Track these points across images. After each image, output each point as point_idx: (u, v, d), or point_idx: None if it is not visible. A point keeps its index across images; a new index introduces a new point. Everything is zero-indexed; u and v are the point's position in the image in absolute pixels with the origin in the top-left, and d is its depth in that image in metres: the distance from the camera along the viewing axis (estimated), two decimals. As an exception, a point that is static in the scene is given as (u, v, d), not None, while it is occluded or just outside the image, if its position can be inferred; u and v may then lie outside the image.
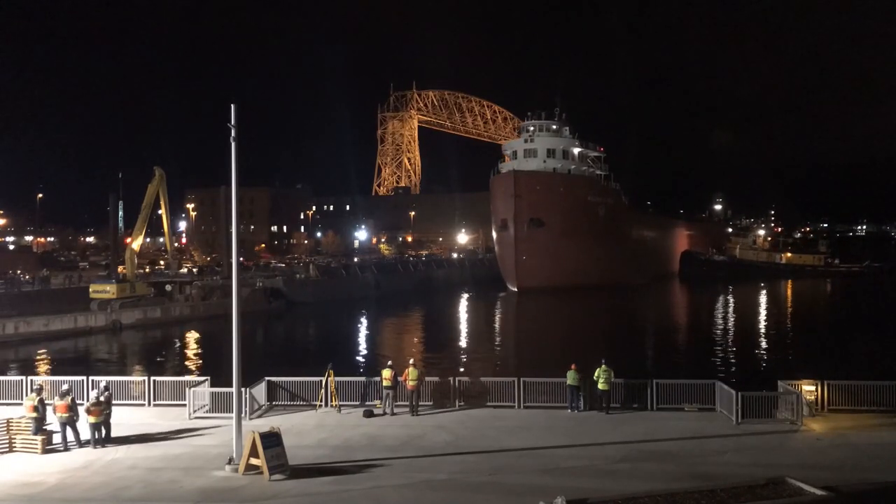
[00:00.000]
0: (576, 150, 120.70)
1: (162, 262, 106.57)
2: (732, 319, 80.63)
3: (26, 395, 24.50)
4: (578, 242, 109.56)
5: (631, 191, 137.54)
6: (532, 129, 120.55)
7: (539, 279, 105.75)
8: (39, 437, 22.28)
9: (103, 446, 22.48)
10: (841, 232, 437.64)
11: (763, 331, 71.58)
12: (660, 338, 65.94)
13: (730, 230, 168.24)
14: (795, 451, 21.98)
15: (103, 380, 25.73)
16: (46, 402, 23.61)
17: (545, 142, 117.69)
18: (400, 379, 26.95)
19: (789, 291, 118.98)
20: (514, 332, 78.02)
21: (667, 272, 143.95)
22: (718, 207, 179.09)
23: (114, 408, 23.95)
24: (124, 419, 25.14)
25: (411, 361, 27.76)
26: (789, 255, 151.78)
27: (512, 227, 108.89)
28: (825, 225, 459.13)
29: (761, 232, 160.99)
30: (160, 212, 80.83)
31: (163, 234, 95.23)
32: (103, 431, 22.82)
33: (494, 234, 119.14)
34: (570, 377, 26.72)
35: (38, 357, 55.28)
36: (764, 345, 62.08)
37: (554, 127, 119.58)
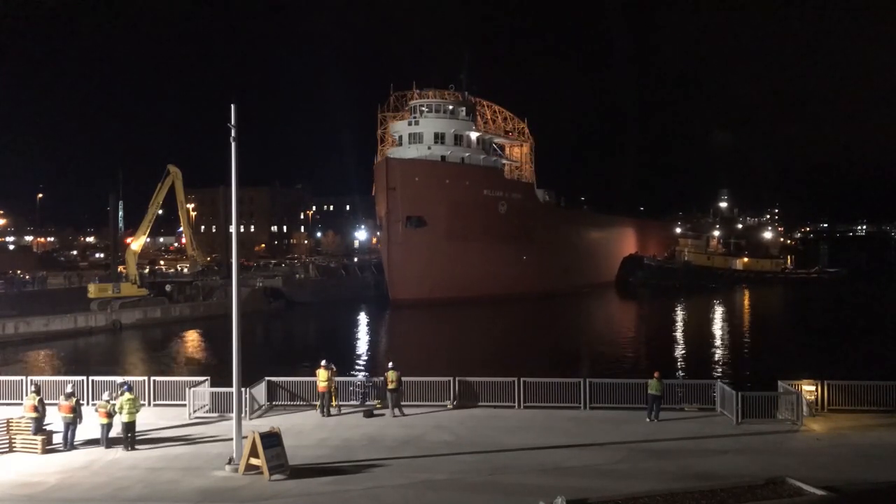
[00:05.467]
0: (473, 135, 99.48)
1: (183, 264, 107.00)
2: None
3: (26, 395, 24.50)
4: (470, 245, 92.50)
5: (564, 187, 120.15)
6: (424, 108, 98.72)
7: (418, 290, 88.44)
8: (39, 437, 22.30)
9: (110, 447, 22.49)
10: (841, 232, 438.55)
11: (761, 333, 71.47)
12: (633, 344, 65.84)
13: (678, 230, 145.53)
14: (795, 451, 21.98)
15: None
16: (47, 402, 23.64)
17: (433, 124, 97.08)
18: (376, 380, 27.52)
19: (746, 305, 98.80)
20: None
21: (606, 280, 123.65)
22: (723, 205, 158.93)
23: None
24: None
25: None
26: (746, 259, 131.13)
27: (386, 226, 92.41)
28: (825, 225, 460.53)
29: (716, 233, 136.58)
30: (178, 210, 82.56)
31: (162, 235, 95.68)
32: (109, 431, 22.84)
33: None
34: (653, 386, 25.69)
35: (38, 357, 55.30)
36: (763, 345, 61.97)
37: (449, 107, 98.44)
